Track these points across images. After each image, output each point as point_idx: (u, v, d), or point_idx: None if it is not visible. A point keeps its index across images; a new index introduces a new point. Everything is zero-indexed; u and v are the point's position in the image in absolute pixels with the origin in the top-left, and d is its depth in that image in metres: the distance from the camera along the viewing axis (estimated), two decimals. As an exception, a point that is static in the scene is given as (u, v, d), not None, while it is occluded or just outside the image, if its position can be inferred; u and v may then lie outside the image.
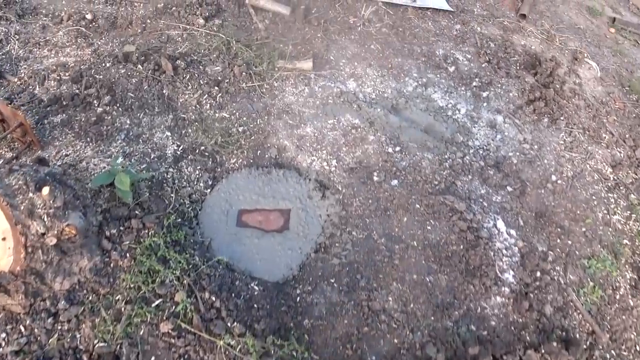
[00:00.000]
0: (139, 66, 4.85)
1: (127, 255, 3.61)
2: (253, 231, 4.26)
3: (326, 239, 4.30)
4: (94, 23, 5.50)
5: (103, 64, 4.95)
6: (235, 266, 4.04)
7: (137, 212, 3.84)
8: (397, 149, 5.03)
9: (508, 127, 5.73)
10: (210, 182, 4.47)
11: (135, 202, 3.88)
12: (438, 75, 6.10)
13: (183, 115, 4.71)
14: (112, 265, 3.54)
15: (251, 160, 4.71)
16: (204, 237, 4.13)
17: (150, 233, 3.78)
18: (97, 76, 4.65)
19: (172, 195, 4.16)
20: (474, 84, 6.11)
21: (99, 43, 5.27)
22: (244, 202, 4.41)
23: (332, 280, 4.03)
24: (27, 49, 5.17)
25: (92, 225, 3.53)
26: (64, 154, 4.10)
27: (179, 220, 4.12)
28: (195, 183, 4.39)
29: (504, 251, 4.47)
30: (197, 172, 4.44)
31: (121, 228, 3.71)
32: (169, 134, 4.55)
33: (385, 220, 4.44)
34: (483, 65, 6.48)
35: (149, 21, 5.67)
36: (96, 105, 4.47)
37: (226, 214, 4.31)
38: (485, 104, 5.90)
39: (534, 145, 5.62)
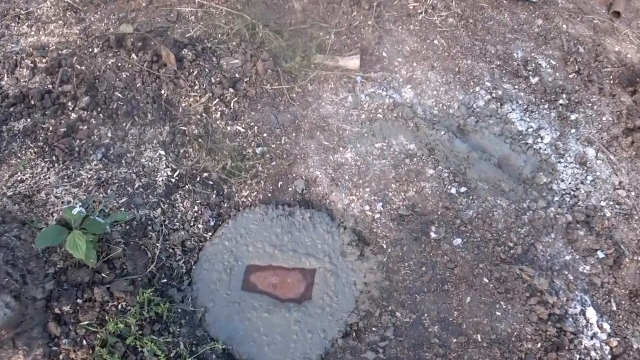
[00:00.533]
0: (134, 55, 3.66)
1: (84, 342, 2.56)
2: (263, 299, 3.16)
3: (360, 319, 3.18)
4: (89, -11, 4.29)
5: (90, 49, 3.78)
6: (235, 351, 2.96)
7: (103, 274, 2.76)
8: (463, 190, 3.81)
9: (601, 165, 4.40)
10: (212, 223, 3.35)
11: (104, 259, 2.79)
12: (516, 87, 4.75)
13: (183, 128, 3.55)
14: (61, 358, 2.51)
15: (269, 195, 3.56)
16: (196, 306, 3.05)
17: (119, 307, 2.71)
18: (79, 66, 3.50)
19: (157, 243, 3.06)
20: (560, 101, 4.74)
21: (92, 19, 4.07)
22: (254, 255, 3.29)
23: (364, 387, 2.95)
24: (4, 23, 4.02)
25: (36, 300, 2.47)
26: (18, 178, 3.01)
27: (164, 280, 3.04)
28: (192, 224, 3.28)
29: (592, 353, 3.29)
30: (196, 209, 3.33)
31: (78, 301, 2.65)
32: (162, 152, 3.41)
33: (442, 298, 3.28)
34: (571, 77, 5.07)
35: (157, -10, 4.43)
36: (70, 108, 3.34)
37: (229, 271, 3.21)
38: (573, 131, 4.56)
39: (631, 191, 4.31)
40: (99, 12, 4.14)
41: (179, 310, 2.95)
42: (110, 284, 2.74)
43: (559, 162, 4.28)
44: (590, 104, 4.90)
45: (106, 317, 2.65)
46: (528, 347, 3.16)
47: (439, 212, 3.65)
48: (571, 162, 4.30)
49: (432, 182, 3.80)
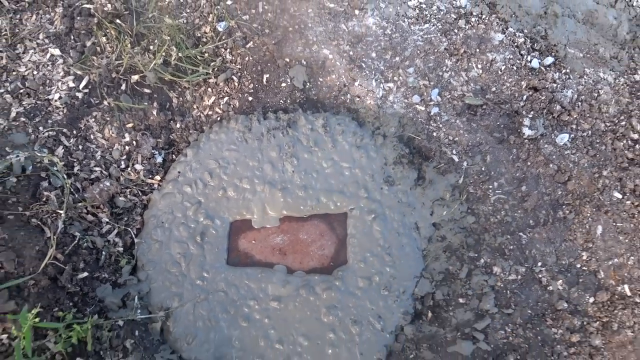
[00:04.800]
0: None
1: None
2: (267, 276, 1.78)
3: (436, 286, 1.85)
4: None
5: None
6: (232, 378, 1.62)
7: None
8: (549, 61, 2.39)
9: None
10: (159, 159, 1.88)
11: None
12: None
13: (87, 5, 1.95)
14: None
15: (250, 99, 2.07)
16: (151, 309, 1.65)
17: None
18: None
19: (60, 210, 1.60)
20: None
21: None
22: (238, 203, 1.87)
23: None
24: None
25: None
26: None
27: (84, 273, 1.61)
28: (123, 166, 1.80)
29: None
30: (127, 139, 1.84)
31: None
32: (56, 51, 1.87)
33: (560, 233, 1.97)
34: None
35: None
36: None
37: (200, 238, 1.79)
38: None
39: None
40: None
41: (119, 323, 1.55)
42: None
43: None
44: None
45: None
46: (701, 293, 1.91)
47: (525, 97, 2.26)
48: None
49: (504, 52, 2.36)
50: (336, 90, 2.13)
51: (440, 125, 2.09)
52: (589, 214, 2.02)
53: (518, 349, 1.77)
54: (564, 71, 2.43)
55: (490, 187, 2.00)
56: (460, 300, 1.83)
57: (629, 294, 1.91)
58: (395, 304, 1.79)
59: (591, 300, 1.88)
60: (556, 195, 2.04)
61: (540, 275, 1.89)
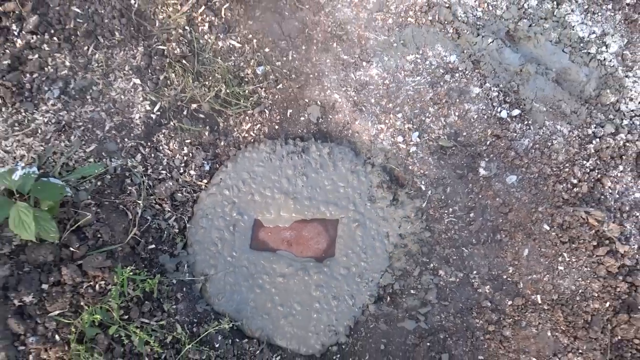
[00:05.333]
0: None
1: (57, 338, 1.93)
2: (277, 259, 2.52)
3: (395, 279, 2.56)
4: None
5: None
6: (246, 327, 2.38)
7: (72, 248, 2.07)
8: (516, 113, 3.02)
9: (674, 76, 3.57)
10: (207, 168, 2.61)
11: (71, 228, 2.09)
12: (576, -22, 3.75)
13: (162, 47, 2.65)
14: (30, 359, 1.90)
15: (276, 127, 2.77)
16: (195, 275, 2.41)
17: (97, 288, 2.06)
18: None
19: (139, 200, 2.35)
20: (627, 0, 3.77)
21: None
22: (262, 205, 2.59)
23: (404, 364, 2.40)
24: None
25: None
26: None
27: (152, 245, 2.36)
28: (181, 171, 2.53)
29: (671, 307, 2.72)
30: (186, 151, 2.56)
31: (43, 287, 1.98)
32: (137, 81, 2.55)
33: (494, 251, 2.64)
34: (640, -37, 4.04)
35: None
36: (16, 33, 2.42)
37: (233, 228, 2.53)
38: (644, 34, 3.66)
39: None
40: None
41: (174, 281, 2.31)
42: (82, 260, 2.05)
43: (627, 76, 3.42)
44: (660, 0, 3.91)
45: (81, 303, 2.01)
46: (595, 308, 2.58)
47: (488, 142, 2.90)
48: (641, 75, 3.46)
49: (479, 103, 3.00)
50: (341, 126, 2.82)
51: (416, 161, 2.76)
52: (520, 239, 2.68)
53: (448, 330, 2.48)
54: (526, 122, 3.04)
55: (446, 211, 2.68)
56: (412, 292, 2.53)
57: (539, 302, 2.58)
58: (364, 289, 2.50)
59: (509, 303, 2.56)
60: (497, 222, 2.71)
61: (473, 280, 2.58)
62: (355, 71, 2.91)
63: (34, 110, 2.33)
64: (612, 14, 3.69)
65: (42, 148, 2.29)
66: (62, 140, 2.31)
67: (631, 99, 3.32)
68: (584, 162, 2.93)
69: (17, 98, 2.32)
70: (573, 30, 3.49)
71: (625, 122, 3.21)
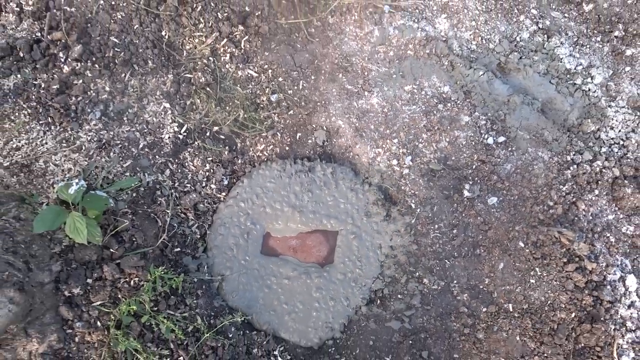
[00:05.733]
0: (128, -13, 3.08)
1: (98, 324, 2.37)
2: (283, 264, 2.92)
3: (385, 285, 2.95)
4: None
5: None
6: (255, 321, 2.79)
7: (112, 249, 2.51)
8: (501, 139, 3.37)
9: (656, 107, 3.89)
10: (225, 182, 3.02)
11: (111, 233, 2.52)
12: (567, 15, 4.06)
13: (189, 75, 3.07)
14: (77, 341, 2.34)
15: (287, 148, 3.18)
16: (213, 275, 2.83)
17: (132, 284, 2.49)
18: (68, 8, 2.93)
19: (167, 209, 2.77)
20: (616, 33, 4.08)
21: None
22: (272, 216, 3.00)
23: (388, 358, 2.79)
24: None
25: (44, 285, 2.24)
26: (14, 145, 2.64)
27: (177, 248, 2.79)
28: (203, 185, 2.95)
29: (629, 323, 3.06)
30: (207, 167, 2.97)
31: (88, 281, 2.41)
32: (167, 105, 2.97)
33: (473, 264, 3.01)
34: (630, 2, 4.35)
35: None
36: (62, 59, 2.85)
37: (246, 235, 2.94)
38: (628, 69, 3.93)
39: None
40: None
41: (195, 280, 2.73)
42: (120, 259, 2.48)
43: (609, 106, 3.75)
44: (648, 33, 4.23)
45: (119, 296, 2.44)
46: (561, 317, 2.93)
47: (474, 166, 3.26)
48: (623, 107, 3.76)
49: (467, 130, 3.36)
50: (344, 149, 3.21)
51: (408, 182, 3.14)
52: (496, 254, 3.04)
53: (428, 331, 2.85)
54: (510, 149, 3.40)
55: (432, 227, 3.05)
56: (399, 296, 2.91)
57: (511, 310, 2.95)
58: (358, 292, 2.90)
59: (484, 309, 2.93)
60: (477, 238, 3.08)
61: (453, 289, 2.95)
62: (357, 100, 3.29)
63: (79, 129, 2.76)
64: (601, 45, 4.02)
65: (86, 162, 2.72)
66: (102, 156, 2.74)
67: (612, 128, 3.64)
68: (561, 186, 3.27)
69: (64, 118, 2.75)
70: (561, 62, 3.83)
71: (604, 149, 3.53)
